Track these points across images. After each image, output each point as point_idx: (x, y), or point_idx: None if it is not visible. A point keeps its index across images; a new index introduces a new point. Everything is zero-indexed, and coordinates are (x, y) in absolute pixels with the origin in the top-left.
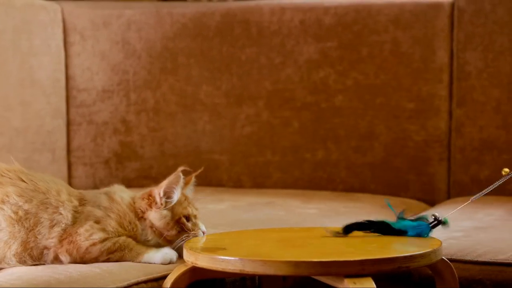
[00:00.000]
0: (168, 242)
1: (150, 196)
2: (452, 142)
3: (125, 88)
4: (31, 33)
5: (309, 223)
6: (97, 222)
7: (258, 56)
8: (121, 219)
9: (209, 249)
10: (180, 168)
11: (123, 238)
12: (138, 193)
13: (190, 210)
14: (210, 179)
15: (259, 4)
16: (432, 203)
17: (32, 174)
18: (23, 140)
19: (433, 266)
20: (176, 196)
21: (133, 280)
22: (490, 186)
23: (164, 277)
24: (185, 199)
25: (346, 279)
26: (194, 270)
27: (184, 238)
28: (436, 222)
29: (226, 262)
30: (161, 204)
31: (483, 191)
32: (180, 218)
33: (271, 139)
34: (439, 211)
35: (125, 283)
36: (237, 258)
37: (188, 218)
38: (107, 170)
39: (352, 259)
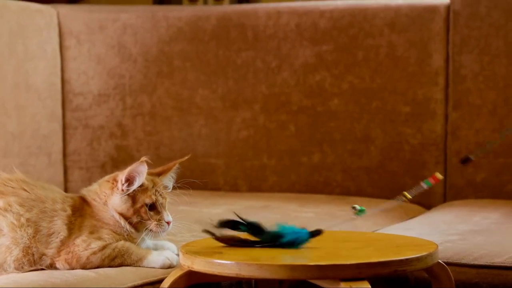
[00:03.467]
0: (133, 228)
1: (114, 180)
2: (448, 145)
3: (121, 92)
4: (26, 37)
5: (306, 226)
6: (91, 232)
7: (254, 59)
8: (108, 221)
9: (205, 253)
10: (144, 158)
11: (121, 242)
12: (105, 176)
13: (155, 198)
14: (206, 182)
15: (255, 8)
16: (428, 206)
17: (33, 183)
18: (18, 144)
19: (430, 269)
20: (137, 184)
21: (129, 284)
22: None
23: (160, 281)
24: (152, 187)
25: (342, 282)
26: (190, 274)
27: (147, 229)
28: (316, 231)
29: (222, 266)
30: (122, 190)
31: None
32: (141, 206)
33: (267, 143)
34: (435, 214)
35: (122, 287)
36: (233, 262)
37: (153, 206)
38: (103, 174)
39: (348, 262)
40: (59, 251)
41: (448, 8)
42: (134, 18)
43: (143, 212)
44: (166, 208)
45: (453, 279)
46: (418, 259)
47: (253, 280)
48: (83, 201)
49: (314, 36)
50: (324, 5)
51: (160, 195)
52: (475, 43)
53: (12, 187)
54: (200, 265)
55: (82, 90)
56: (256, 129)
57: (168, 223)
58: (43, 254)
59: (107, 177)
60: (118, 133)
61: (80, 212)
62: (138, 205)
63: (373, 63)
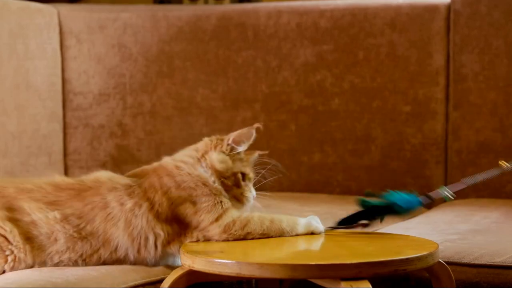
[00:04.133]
0: (222, 187)
1: (218, 139)
2: (449, 144)
3: (122, 92)
4: (27, 37)
5: None
6: (195, 212)
7: (255, 59)
8: (196, 185)
9: (206, 252)
10: (256, 125)
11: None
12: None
13: (248, 171)
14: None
15: (256, 7)
16: (428, 205)
17: (83, 187)
18: (19, 144)
19: (430, 269)
20: (242, 147)
21: (131, 283)
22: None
23: (161, 280)
24: (246, 160)
25: (343, 282)
26: (191, 273)
27: (237, 195)
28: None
29: (223, 265)
30: (226, 149)
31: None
32: (237, 173)
33: (267, 142)
34: (436, 214)
35: (123, 286)
36: (234, 261)
37: (244, 177)
38: None
39: (348, 262)
40: (169, 241)
41: (448, 7)
42: (135, 18)
43: (238, 178)
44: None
45: (453, 278)
46: (418, 258)
47: (254, 280)
48: (163, 175)
49: (314, 36)
50: (325, 4)
51: (251, 170)
52: (475, 43)
53: (66, 196)
54: (201, 264)
55: (82, 90)
56: (256, 128)
57: (253, 197)
58: (136, 256)
59: (207, 138)
60: (118, 133)
61: (162, 191)
62: (236, 169)
63: (374, 63)
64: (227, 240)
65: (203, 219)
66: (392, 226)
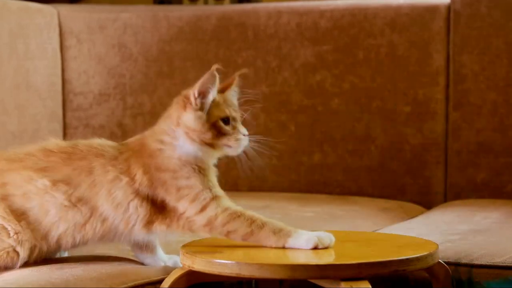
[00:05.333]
0: (209, 146)
1: (185, 98)
2: (449, 145)
3: (122, 92)
4: (27, 37)
5: (306, 226)
6: (178, 189)
7: (255, 59)
8: (178, 161)
9: (205, 253)
10: (215, 66)
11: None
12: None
13: (229, 112)
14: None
15: (256, 7)
16: (428, 206)
17: (73, 150)
18: (19, 144)
19: (430, 269)
20: (211, 95)
21: (130, 284)
22: None
23: (161, 281)
24: (223, 101)
25: (342, 282)
26: (191, 273)
27: (227, 142)
28: None
29: (223, 266)
30: (196, 104)
31: None
32: (216, 121)
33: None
34: (436, 214)
35: (122, 286)
36: (233, 262)
37: (226, 120)
38: None
39: (348, 262)
40: (152, 219)
41: (448, 8)
42: (135, 18)
43: (218, 126)
44: (240, 122)
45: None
46: (418, 259)
47: (254, 280)
48: (145, 155)
49: (314, 36)
50: (325, 5)
51: (233, 109)
52: (475, 43)
53: (55, 162)
54: (201, 264)
55: (82, 90)
56: (256, 128)
57: (245, 135)
58: (123, 228)
59: (175, 99)
60: (118, 133)
61: (143, 170)
62: (213, 119)
63: (374, 63)
64: (210, 233)
65: (187, 208)
66: (392, 226)
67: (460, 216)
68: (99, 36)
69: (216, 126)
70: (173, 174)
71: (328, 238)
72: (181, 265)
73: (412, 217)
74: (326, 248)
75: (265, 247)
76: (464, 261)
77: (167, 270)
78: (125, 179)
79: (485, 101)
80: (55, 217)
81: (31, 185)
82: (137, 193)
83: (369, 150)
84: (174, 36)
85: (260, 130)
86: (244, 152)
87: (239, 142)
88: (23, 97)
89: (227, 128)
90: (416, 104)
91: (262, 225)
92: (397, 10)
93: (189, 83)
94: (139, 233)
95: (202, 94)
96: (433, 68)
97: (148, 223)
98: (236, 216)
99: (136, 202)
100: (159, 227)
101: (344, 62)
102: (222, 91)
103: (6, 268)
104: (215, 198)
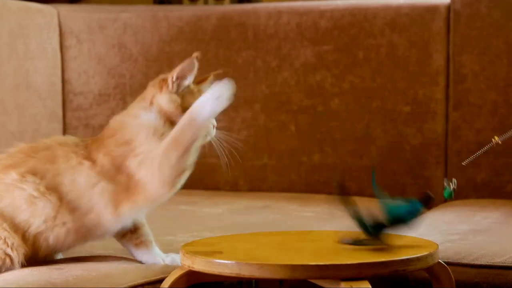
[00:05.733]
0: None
1: (163, 80)
2: (449, 145)
3: (122, 92)
4: (27, 37)
5: (306, 226)
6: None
7: (255, 59)
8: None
9: (205, 253)
10: (195, 54)
11: None
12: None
13: None
14: (206, 182)
15: (256, 7)
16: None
17: (38, 146)
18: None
19: (430, 269)
20: (188, 81)
21: (130, 283)
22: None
23: (161, 281)
24: (197, 91)
25: (342, 282)
26: (191, 273)
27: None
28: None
29: (223, 266)
30: (172, 87)
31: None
32: (189, 107)
33: (267, 143)
34: (436, 214)
35: (122, 287)
36: (233, 262)
37: None
38: None
39: (349, 262)
40: (120, 199)
41: (448, 8)
42: (135, 18)
43: None
44: None
45: (453, 279)
46: (418, 259)
47: (254, 280)
48: (105, 137)
49: (314, 36)
50: (325, 5)
51: None
52: (475, 43)
53: (20, 157)
54: (201, 265)
55: (82, 90)
56: (256, 129)
57: (214, 126)
58: (93, 218)
59: (151, 82)
60: None
61: (104, 150)
62: (186, 104)
63: (374, 63)
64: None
65: (142, 167)
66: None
67: (460, 216)
68: (99, 36)
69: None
70: (130, 144)
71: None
72: (179, 263)
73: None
74: None
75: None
76: (464, 261)
77: (167, 270)
78: (87, 163)
79: (485, 101)
80: (27, 212)
81: (1, 185)
82: (100, 176)
83: (369, 150)
84: (174, 36)
85: (260, 130)
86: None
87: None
88: (23, 97)
89: None
90: (416, 104)
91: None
92: (397, 10)
93: None
94: (110, 220)
95: (180, 79)
96: (433, 68)
97: (116, 206)
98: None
99: (100, 186)
100: (126, 206)
101: (344, 62)
102: (197, 83)
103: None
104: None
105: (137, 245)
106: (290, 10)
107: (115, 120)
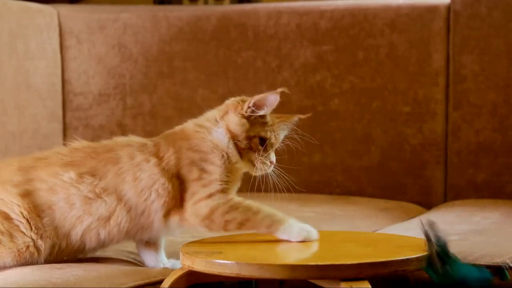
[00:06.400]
0: (239, 154)
1: (242, 101)
2: (449, 145)
3: (122, 92)
4: (27, 37)
5: None
6: (200, 172)
7: (255, 59)
8: (209, 149)
9: (205, 253)
10: (280, 89)
11: (238, 198)
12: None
13: (269, 136)
14: None
15: (256, 7)
16: (428, 206)
17: (99, 146)
18: (19, 144)
19: None
20: (263, 111)
21: (130, 284)
22: None
23: (161, 281)
24: (271, 124)
25: (342, 282)
26: (191, 274)
27: (253, 159)
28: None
29: (223, 266)
30: (245, 112)
31: None
32: (255, 136)
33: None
34: (436, 215)
35: (123, 287)
36: (233, 262)
37: (263, 142)
38: None
39: (348, 262)
40: (171, 206)
41: (448, 8)
42: (135, 18)
43: (254, 142)
44: (274, 150)
45: None
46: (418, 259)
47: (254, 280)
48: (178, 138)
49: (314, 36)
50: (325, 5)
51: (275, 135)
52: (475, 43)
53: (81, 157)
54: (201, 265)
55: (82, 90)
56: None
57: (271, 163)
58: (149, 219)
59: (231, 99)
60: (118, 133)
61: (173, 150)
62: (252, 133)
63: (374, 63)
64: (207, 227)
65: (198, 190)
66: (392, 227)
67: (460, 216)
68: (99, 36)
69: (253, 140)
70: (203, 155)
71: (315, 233)
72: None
73: (412, 217)
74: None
75: (259, 233)
76: (464, 261)
77: (167, 271)
78: (153, 160)
79: (485, 101)
80: (80, 210)
81: (57, 179)
82: (163, 172)
83: (369, 150)
84: (174, 36)
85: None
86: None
87: (263, 166)
88: (23, 97)
89: (260, 147)
90: (416, 104)
91: (257, 212)
92: (397, 11)
93: (188, 83)
94: (159, 225)
95: (256, 107)
96: (433, 68)
97: (166, 213)
98: (235, 207)
99: (160, 182)
100: (173, 218)
101: (344, 62)
102: (277, 117)
103: (26, 263)
104: (223, 190)
105: (147, 244)
106: (290, 10)
107: (189, 126)
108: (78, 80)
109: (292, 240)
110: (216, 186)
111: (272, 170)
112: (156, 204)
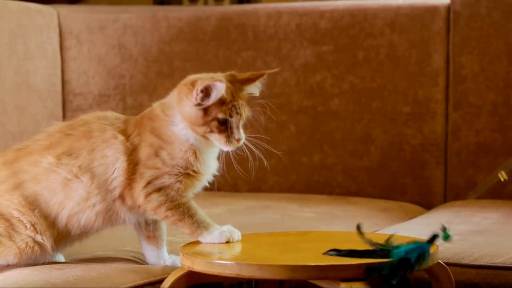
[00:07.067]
0: (202, 136)
1: (192, 85)
2: (449, 145)
3: (122, 92)
4: (27, 37)
5: (306, 227)
6: (148, 158)
7: (255, 60)
8: (169, 139)
9: (205, 253)
10: (221, 75)
11: (185, 199)
12: (186, 79)
13: (229, 114)
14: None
15: (256, 8)
16: (428, 206)
17: (77, 122)
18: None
19: (430, 270)
20: (211, 100)
21: (130, 284)
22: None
23: (161, 281)
24: (230, 101)
25: (342, 282)
26: (191, 274)
27: (217, 140)
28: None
29: (223, 266)
30: (196, 99)
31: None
32: (212, 120)
33: (267, 143)
34: (436, 215)
35: (122, 287)
36: (233, 262)
37: (225, 122)
38: None
39: (348, 263)
40: (125, 186)
41: (448, 8)
42: (135, 18)
43: (213, 126)
44: (240, 125)
45: (453, 279)
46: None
47: (254, 281)
48: (145, 118)
49: (314, 37)
50: (325, 5)
51: (236, 111)
52: (475, 44)
53: (57, 137)
54: (201, 265)
55: (82, 90)
56: (255, 129)
57: (238, 140)
58: (112, 198)
59: (185, 81)
60: None
61: (138, 130)
62: (209, 118)
63: (374, 63)
64: (150, 216)
65: (149, 180)
66: (392, 227)
67: (460, 217)
68: (99, 36)
69: (211, 124)
70: (162, 143)
71: (236, 233)
72: (179, 265)
73: (412, 217)
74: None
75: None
76: (464, 261)
77: (167, 271)
78: (120, 138)
79: (485, 102)
80: (61, 195)
81: (37, 167)
82: (125, 151)
83: (369, 150)
84: (174, 37)
85: (259, 131)
86: (241, 150)
87: (230, 145)
88: (23, 98)
89: (221, 128)
90: (416, 104)
91: (193, 215)
92: (397, 11)
93: None
94: (119, 207)
95: (206, 92)
96: (433, 68)
97: (122, 193)
98: (179, 206)
99: (121, 160)
100: (128, 198)
101: (344, 62)
102: (244, 82)
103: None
104: (172, 184)
105: (148, 238)
106: (290, 10)
107: (157, 107)
108: (78, 81)
109: (216, 242)
110: (167, 180)
111: (246, 141)
112: (116, 181)
